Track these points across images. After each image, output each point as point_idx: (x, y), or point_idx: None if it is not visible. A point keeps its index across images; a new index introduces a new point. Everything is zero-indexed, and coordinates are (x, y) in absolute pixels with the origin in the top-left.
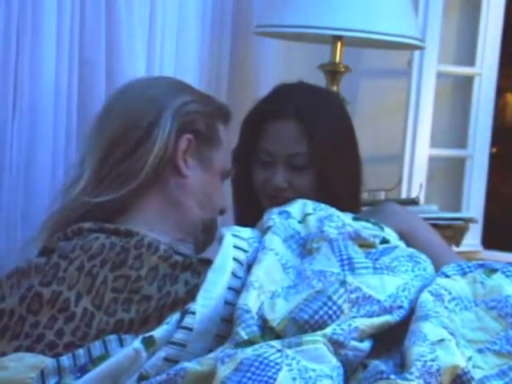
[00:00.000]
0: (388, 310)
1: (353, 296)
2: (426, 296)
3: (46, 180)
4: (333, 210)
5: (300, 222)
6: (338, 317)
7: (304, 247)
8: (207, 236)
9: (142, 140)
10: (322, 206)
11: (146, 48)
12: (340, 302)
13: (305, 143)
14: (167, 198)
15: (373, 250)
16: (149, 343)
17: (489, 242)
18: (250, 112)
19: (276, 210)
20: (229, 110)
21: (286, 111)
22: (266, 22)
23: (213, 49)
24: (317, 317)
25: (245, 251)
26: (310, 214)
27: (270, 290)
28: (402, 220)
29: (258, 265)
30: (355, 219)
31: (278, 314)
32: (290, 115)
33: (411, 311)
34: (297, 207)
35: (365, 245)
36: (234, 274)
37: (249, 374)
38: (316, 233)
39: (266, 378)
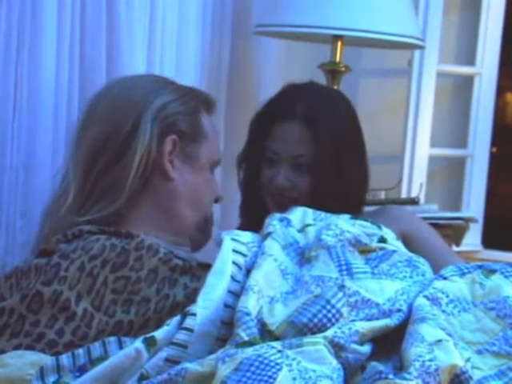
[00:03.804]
0: (387, 314)
1: (352, 300)
2: (422, 300)
3: (46, 180)
4: (332, 219)
5: (299, 231)
6: (337, 320)
7: (302, 256)
8: (203, 234)
9: (124, 149)
10: (322, 215)
11: (146, 47)
12: (339, 305)
13: (310, 145)
14: (158, 205)
15: (372, 256)
16: (150, 343)
17: (489, 241)
18: (259, 112)
19: (277, 215)
20: (211, 99)
21: (294, 113)
22: (266, 22)
23: (213, 49)
24: (316, 320)
25: (244, 255)
26: (309, 225)
27: (268, 295)
28: (404, 223)
29: (257, 270)
30: (353, 218)
31: (276, 317)
32: (297, 117)
33: (409, 314)
34: (297, 215)
35: (365, 250)
36: (233, 278)
37: (249, 374)
38: (314, 242)
39: (266, 378)
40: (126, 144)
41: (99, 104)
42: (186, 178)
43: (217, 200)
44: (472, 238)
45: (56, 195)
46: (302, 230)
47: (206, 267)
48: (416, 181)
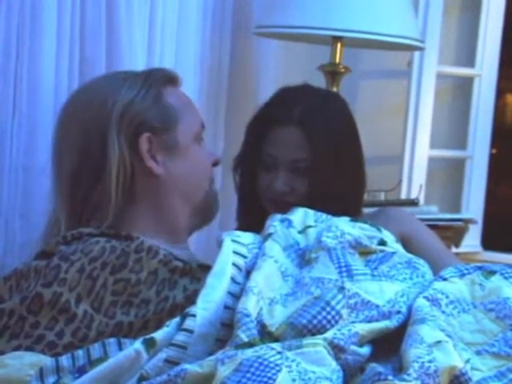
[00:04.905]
0: (387, 315)
1: (351, 301)
2: (421, 301)
3: (45, 180)
4: (333, 221)
5: (300, 233)
6: (336, 322)
7: (303, 258)
8: (207, 213)
9: (100, 169)
10: (323, 217)
11: (146, 48)
12: (338, 307)
13: (307, 149)
14: (150, 205)
15: (372, 257)
16: (149, 344)
17: (488, 242)
18: (255, 117)
19: (278, 216)
20: (171, 72)
21: (290, 118)
22: (265, 23)
23: (213, 49)
24: (315, 321)
25: (244, 257)
26: (310, 227)
27: (268, 297)
28: (403, 225)
29: (257, 271)
30: (352, 221)
31: (276, 319)
32: (294, 122)
33: (409, 316)
34: (298, 216)
35: (365, 252)
36: (233, 280)
37: (248, 375)
38: (314, 244)
39: (265, 379)
40: (100, 164)
41: (64, 130)
42: (172, 169)
43: (215, 164)
44: (471, 240)
45: (49, 222)
46: (302, 232)
47: (206, 268)
48: (416, 182)
